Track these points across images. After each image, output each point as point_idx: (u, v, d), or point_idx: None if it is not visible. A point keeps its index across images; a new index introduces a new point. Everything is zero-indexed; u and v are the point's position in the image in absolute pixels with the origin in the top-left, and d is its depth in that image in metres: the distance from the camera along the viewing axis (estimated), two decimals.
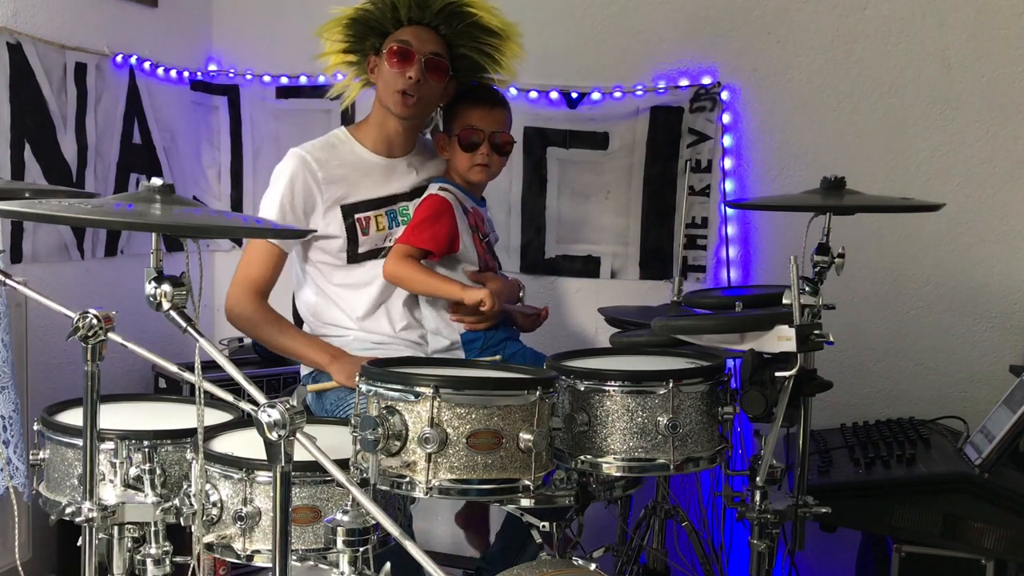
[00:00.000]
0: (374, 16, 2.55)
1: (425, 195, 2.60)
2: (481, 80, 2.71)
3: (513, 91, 3.38)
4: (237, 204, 3.78)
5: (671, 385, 1.95)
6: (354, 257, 2.58)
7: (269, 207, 2.53)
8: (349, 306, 2.60)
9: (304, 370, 2.68)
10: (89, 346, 1.66)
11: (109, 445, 1.86)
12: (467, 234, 2.57)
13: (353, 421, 1.80)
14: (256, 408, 1.39)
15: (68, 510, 1.76)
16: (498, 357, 2.47)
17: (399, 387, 1.76)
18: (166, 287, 1.52)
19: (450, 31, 2.58)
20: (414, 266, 2.51)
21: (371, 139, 2.63)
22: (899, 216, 3.21)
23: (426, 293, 2.57)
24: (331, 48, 2.65)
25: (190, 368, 1.58)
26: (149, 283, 1.53)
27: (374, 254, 2.59)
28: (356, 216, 2.57)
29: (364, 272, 2.59)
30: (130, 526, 1.84)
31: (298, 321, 2.80)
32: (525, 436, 1.76)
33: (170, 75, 3.54)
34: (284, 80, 3.69)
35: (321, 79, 3.57)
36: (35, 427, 2.05)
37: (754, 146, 3.35)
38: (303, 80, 3.65)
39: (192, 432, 1.80)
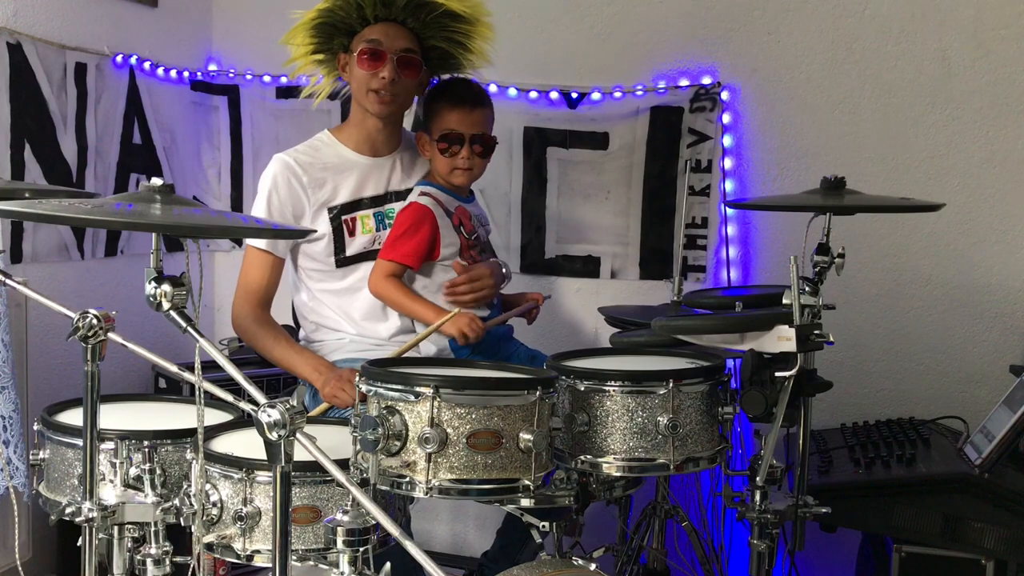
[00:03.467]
0: (339, 16, 2.52)
1: (407, 202, 2.57)
2: (457, 70, 2.68)
3: (513, 91, 3.39)
4: (237, 204, 3.78)
5: (671, 385, 1.95)
6: (342, 261, 2.56)
7: (258, 212, 2.52)
8: (344, 312, 2.59)
9: None
10: (89, 346, 1.66)
11: (109, 445, 1.86)
12: (450, 236, 2.54)
13: (353, 421, 1.80)
14: (256, 408, 1.39)
15: (68, 510, 1.76)
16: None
17: (399, 387, 1.76)
18: (166, 287, 1.52)
19: (418, 24, 2.54)
20: (395, 286, 2.49)
21: (354, 139, 2.61)
22: (899, 216, 3.21)
23: (404, 314, 2.55)
24: (298, 52, 2.62)
25: (190, 368, 1.58)
26: (149, 283, 1.53)
27: (364, 257, 2.57)
28: (343, 218, 2.55)
29: (356, 277, 2.57)
30: (130, 526, 1.83)
31: (298, 324, 2.81)
32: (525, 436, 1.76)
33: (170, 75, 3.54)
34: (284, 80, 3.69)
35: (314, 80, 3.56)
36: (35, 427, 2.06)
37: (754, 146, 3.35)
38: (303, 80, 3.64)
39: (192, 432, 1.80)
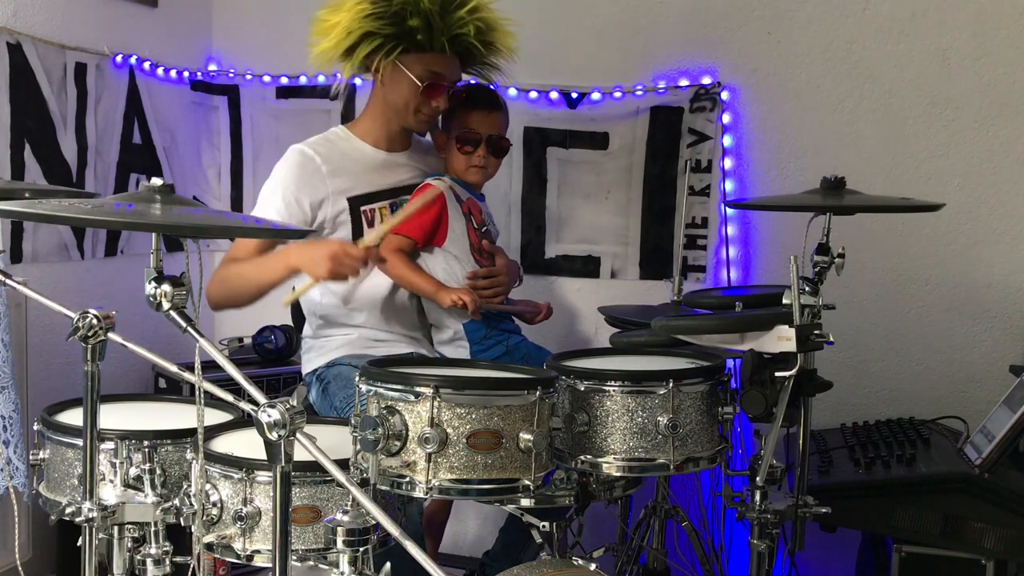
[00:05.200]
0: (397, 10, 2.45)
1: (420, 184, 2.64)
2: (476, 75, 2.74)
3: (513, 91, 3.39)
4: (237, 204, 3.78)
5: (671, 385, 1.95)
6: None
7: (269, 200, 2.50)
8: (356, 304, 2.61)
9: (305, 369, 2.68)
10: (89, 346, 1.66)
11: (109, 445, 1.86)
12: (459, 222, 2.60)
13: (353, 421, 1.80)
14: (256, 408, 1.39)
15: (68, 510, 1.76)
16: None
17: (399, 387, 1.77)
18: (166, 287, 1.52)
19: (464, 55, 2.62)
20: (399, 258, 2.54)
21: (371, 135, 2.65)
22: (899, 216, 3.20)
23: (405, 287, 2.60)
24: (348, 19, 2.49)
25: (190, 368, 1.58)
26: (149, 283, 1.53)
27: None
28: (362, 208, 2.59)
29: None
30: (130, 526, 1.84)
31: (299, 324, 2.81)
32: (525, 436, 1.76)
33: (170, 75, 3.54)
34: (284, 80, 3.69)
35: (321, 79, 3.56)
36: (35, 427, 2.06)
37: (754, 146, 3.35)
38: (303, 80, 3.65)
39: (192, 432, 1.80)
